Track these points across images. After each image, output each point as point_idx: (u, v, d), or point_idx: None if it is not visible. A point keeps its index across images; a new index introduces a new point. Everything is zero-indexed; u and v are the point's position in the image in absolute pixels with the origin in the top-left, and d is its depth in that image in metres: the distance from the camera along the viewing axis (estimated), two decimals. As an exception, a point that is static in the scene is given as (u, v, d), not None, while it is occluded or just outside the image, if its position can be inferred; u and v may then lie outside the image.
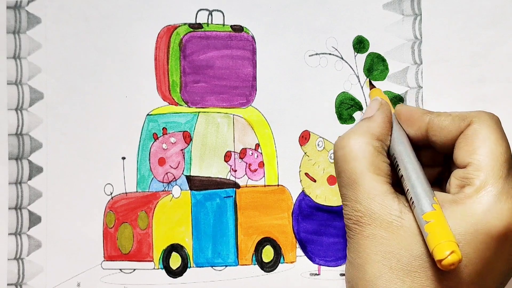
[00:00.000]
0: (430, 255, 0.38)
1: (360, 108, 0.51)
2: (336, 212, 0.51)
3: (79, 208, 0.51)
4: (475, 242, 0.38)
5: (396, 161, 0.42)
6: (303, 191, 0.51)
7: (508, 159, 0.40)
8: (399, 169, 0.42)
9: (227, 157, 0.51)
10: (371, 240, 0.40)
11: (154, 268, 0.50)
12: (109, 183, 0.51)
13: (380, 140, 0.42)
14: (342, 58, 0.51)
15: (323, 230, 0.51)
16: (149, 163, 0.51)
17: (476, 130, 0.41)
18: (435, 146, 0.44)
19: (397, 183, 0.42)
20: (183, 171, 0.51)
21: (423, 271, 0.38)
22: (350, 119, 0.51)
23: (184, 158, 0.51)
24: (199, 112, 0.51)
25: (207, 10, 0.51)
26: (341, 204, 0.42)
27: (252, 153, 0.51)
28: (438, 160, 0.45)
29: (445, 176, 0.45)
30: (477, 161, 0.40)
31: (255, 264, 0.51)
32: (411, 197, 0.40)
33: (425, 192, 0.39)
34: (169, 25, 0.51)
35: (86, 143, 0.51)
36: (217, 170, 0.51)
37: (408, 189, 0.40)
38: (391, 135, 0.44)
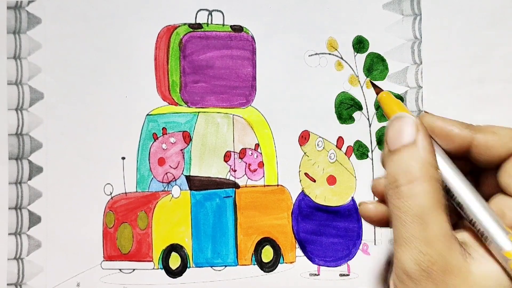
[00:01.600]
0: None
1: (359, 108, 0.51)
2: (335, 212, 0.51)
3: (79, 208, 0.51)
4: None
5: (448, 188, 0.38)
6: (302, 191, 0.51)
7: None
8: (454, 197, 0.37)
9: (227, 157, 0.51)
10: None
11: (153, 268, 0.50)
12: (109, 183, 0.51)
13: (437, 170, 0.37)
14: (342, 58, 0.51)
15: (322, 230, 0.51)
16: (149, 163, 0.51)
17: None
18: (477, 163, 0.39)
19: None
20: (183, 171, 0.51)
21: None
22: (350, 119, 0.51)
23: (183, 158, 0.51)
24: (199, 112, 0.51)
25: (207, 10, 0.51)
26: (392, 244, 0.38)
27: (251, 153, 0.51)
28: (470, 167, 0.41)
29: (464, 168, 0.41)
30: None
31: (254, 264, 0.51)
32: (483, 233, 0.36)
33: (497, 226, 0.36)
34: (169, 25, 0.51)
35: (86, 143, 0.51)
36: (217, 170, 0.51)
37: (474, 222, 0.36)
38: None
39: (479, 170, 0.39)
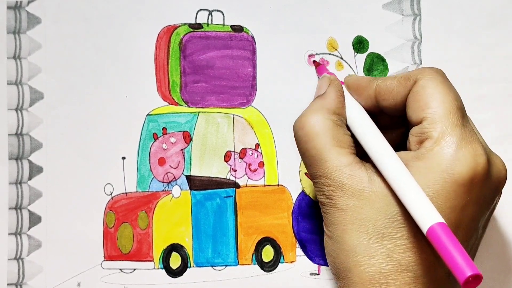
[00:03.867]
0: (404, 214, 0.39)
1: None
2: (336, 212, 0.51)
3: (79, 208, 0.51)
4: (445, 192, 0.39)
5: (356, 132, 0.43)
6: (303, 191, 0.51)
7: (460, 107, 0.41)
8: (360, 139, 0.43)
9: (227, 157, 0.51)
10: (345, 211, 0.40)
11: (154, 268, 0.50)
12: (109, 183, 0.51)
13: (337, 114, 0.43)
14: (342, 58, 0.51)
15: (323, 229, 0.51)
16: (149, 163, 0.51)
17: (423, 86, 0.41)
18: (387, 111, 0.44)
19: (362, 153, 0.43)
20: (183, 171, 0.51)
21: (399, 230, 0.39)
22: (350, 119, 0.51)
23: (184, 158, 0.51)
24: (199, 112, 0.51)
25: (207, 10, 0.51)
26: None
27: (252, 153, 0.51)
28: (397, 122, 0.46)
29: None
30: (430, 114, 0.40)
31: (255, 264, 0.51)
32: (379, 167, 0.40)
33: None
34: (169, 25, 0.51)
35: (86, 143, 0.51)
36: (217, 170, 0.51)
37: (373, 159, 0.41)
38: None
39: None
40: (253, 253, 0.51)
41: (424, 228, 0.37)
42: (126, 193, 0.51)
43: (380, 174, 0.40)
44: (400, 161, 0.40)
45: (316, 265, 0.51)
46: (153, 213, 0.50)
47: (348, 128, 0.43)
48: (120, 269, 0.51)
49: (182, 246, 0.50)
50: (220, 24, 0.51)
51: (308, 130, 0.42)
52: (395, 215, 0.39)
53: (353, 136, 0.43)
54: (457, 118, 0.40)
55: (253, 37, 0.51)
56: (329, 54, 0.51)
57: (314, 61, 0.50)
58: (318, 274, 0.51)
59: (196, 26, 0.51)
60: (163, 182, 0.51)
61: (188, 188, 0.51)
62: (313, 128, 0.42)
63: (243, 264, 0.51)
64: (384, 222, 0.39)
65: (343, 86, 0.45)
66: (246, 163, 0.51)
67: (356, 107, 0.44)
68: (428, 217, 0.37)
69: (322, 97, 0.44)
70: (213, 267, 0.51)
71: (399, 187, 0.39)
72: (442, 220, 0.37)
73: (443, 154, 0.39)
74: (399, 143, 0.46)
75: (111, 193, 0.51)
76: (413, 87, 0.42)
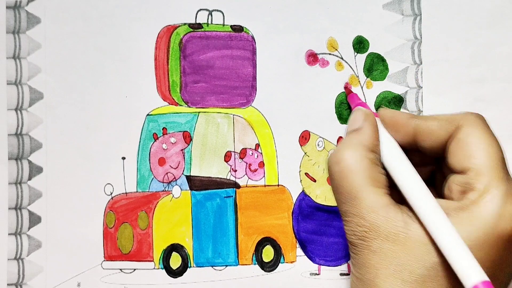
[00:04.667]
0: (444, 265, 0.38)
1: (360, 108, 0.51)
2: (336, 212, 0.51)
3: (79, 208, 0.51)
4: (486, 246, 0.38)
5: (392, 172, 0.42)
6: (303, 191, 0.51)
7: (503, 158, 0.40)
8: (397, 181, 0.41)
9: (227, 157, 0.51)
10: (379, 254, 0.39)
11: (154, 268, 0.50)
12: (109, 183, 0.51)
13: (373, 152, 0.41)
14: (342, 58, 0.51)
15: (323, 230, 0.51)
16: (149, 163, 0.51)
17: (467, 133, 0.40)
18: (424, 151, 0.43)
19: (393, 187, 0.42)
20: (183, 171, 0.51)
21: (436, 280, 0.38)
22: (350, 119, 0.51)
23: (184, 158, 0.51)
24: (199, 112, 0.51)
25: (207, 10, 0.51)
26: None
27: (252, 153, 0.51)
28: (428, 161, 0.45)
29: (437, 175, 0.45)
30: (476, 165, 0.39)
31: (255, 264, 0.51)
32: (418, 213, 0.39)
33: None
34: (169, 25, 0.51)
35: (86, 143, 0.51)
36: (217, 170, 0.51)
37: (412, 204, 0.40)
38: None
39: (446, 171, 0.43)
40: (253, 253, 0.51)
41: (468, 285, 0.36)
42: (126, 193, 0.51)
43: (416, 220, 0.39)
44: (441, 210, 0.38)
45: (316, 265, 0.51)
46: (153, 213, 0.50)
47: (383, 166, 0.42)
48: (120, 269, 0.51)
49: (182, 246, 0.51)
50: (220, 24, 0.51)
51: (344, 166, 0.40)
52: (434, 265, 0.38)
53: (386, 174, 0.42)
54: (502, 171, 0.39)
55: (253, 37, 0.51)
56: (329, 54, 0.51)
57: (345, 88, 0.50)
58: (318, 274, 0.51)
59: (196, 26, 0.51)
60: (163, 182, 0.51)
61: (188, 188, 0.51)
62: (349, 165, 0.40)
63: (243, 264, 0.51)
64: (422, 271, 0.38)
65: (377, 119, 0.44)
66: (246, 163, 0.51)
67: (392, 144, 0.42)
68: (473, 273, 0.36)
69: (358, 132, 0.42)
70: (213, 267, 0.51)
71: (442, 237, 0.37)
72: (487, 278, 0.36)
73: (488, 208, 0.38)
74: (427, 180, 0.44)
75: (111, 193, 0.51)
76: (456, 133, 0.41)
